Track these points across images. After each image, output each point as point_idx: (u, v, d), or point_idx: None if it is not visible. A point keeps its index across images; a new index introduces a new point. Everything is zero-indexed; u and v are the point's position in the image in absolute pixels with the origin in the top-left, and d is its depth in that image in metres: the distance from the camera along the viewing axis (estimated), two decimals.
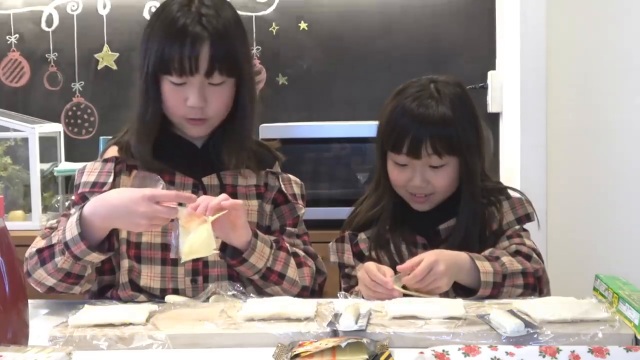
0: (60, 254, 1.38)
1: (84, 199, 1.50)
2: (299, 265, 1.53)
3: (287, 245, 1.54)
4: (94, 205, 1.37)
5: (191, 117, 1.51)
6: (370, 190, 1.68)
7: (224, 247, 1.45)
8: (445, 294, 1.44)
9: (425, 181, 1.55)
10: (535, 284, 1.49)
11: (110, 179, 1.52)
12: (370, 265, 1.45)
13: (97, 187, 1.51)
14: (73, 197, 1.57)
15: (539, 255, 1.55)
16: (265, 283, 1.48)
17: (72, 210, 1.48)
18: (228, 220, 1.39)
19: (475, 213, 1.58)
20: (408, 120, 1.53)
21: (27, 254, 1.44)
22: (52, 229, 1.48)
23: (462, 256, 1.45)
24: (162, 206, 1.34)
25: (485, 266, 1.44)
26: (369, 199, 1.67)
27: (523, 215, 1.61)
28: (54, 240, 1.40)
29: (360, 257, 1.62)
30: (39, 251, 1.42)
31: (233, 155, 1.55)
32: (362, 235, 1.63)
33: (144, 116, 1.52)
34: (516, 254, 1.51)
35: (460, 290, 1.46)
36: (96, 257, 1.39)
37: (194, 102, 1.48)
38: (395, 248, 1.59)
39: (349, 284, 1.61)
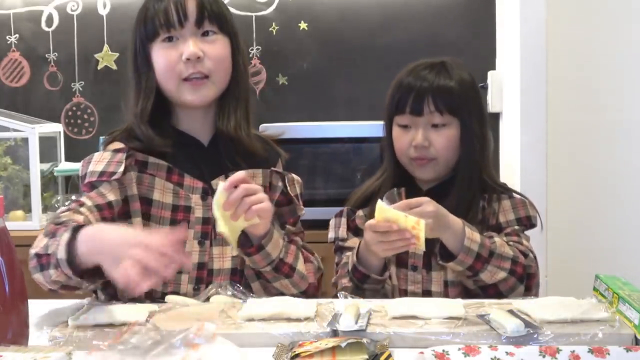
0: (54, 267, 1.29)
1: (92, 187, 1.47)
2: (305, 260, 1.54)
3: (294, 238, 1.56)
4: (89, 238, 1.25)
5: (190, 76, 1.49)
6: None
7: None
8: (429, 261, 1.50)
9: (427, 139, 1.59)
10: (523, 276, 1.49)
11: (121, 169, 1.47)
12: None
13: (106, 176, 1.47)
14: (81, 187, 1.52)
15: (534, 258, 1.55)
16: (276, 275, 1.47)
17: (83, 198, 1.46)
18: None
19: (469, 186, 1.60)
20: (412, 80, 1.60)
21: (30, 252, 1.36)
22: (59, 224, 1.37)
23: (456, 219, 1.47)
24: (153, 254, 1.15)
25: (473, 235, 1.45)
26: (374, 176, 1.71)
27: (524, 217, 1.61)
28: (51, 250, 1.30)
29: (356, 232, 1.65)
30: (38, 255, 1.33)
31: (231, 116, 1.53)
32: (360, 212, 1.66)
33: (138, 88, 1.51)
34: (513, 246, 1.52)
35: (445, 254, 1.47)
36: (82, 283, 1.31)
37: (189, 51, 1.46)
38: None
39: (340, 258, 1.64)
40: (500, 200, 1.62)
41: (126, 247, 1.16)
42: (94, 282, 1.32)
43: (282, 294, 1.48)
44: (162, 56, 1.49)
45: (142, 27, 1.51)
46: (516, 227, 1.59)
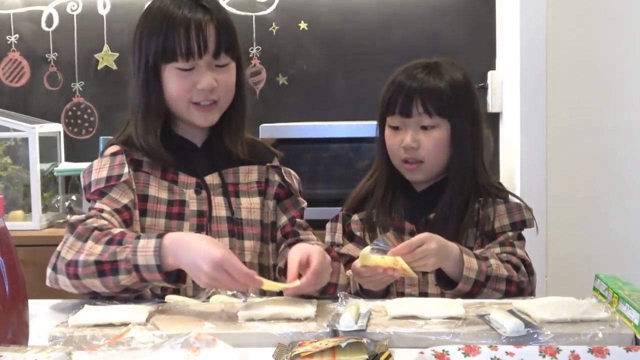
0: (126, 272, 1.32)
1: (102, 195, 1.49)
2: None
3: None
4: (173, 241, 1.33)
5: (200, 102, 1.51)
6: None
7: None
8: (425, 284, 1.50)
9: (416, 141, 1.59)
10: (517, 294, 1.49)
11: (126, 170, 1.50)
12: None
13: (113, 180, 1.50)
14: (87, 196, 1.54)
15: (528, 266, 1.55)
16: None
17: (98, 205, 1.46)
18: None
19: (461, 187, 1.60)
20: (403, 79, 1.61)
21: (81, 258, 1.35)
22: (96, 229, 1.38)
23: (452, 245, 1.47)
24: (226, 275, 1.27)
25: (471, 262, 1.45)
26: (366, 177, 1.72)
27: (519, 221, 1.60)
28: (120, 257, 1.32)
29: (350, 237, 1.66)
30: (99, 263, 1.34)
31: (236, 136, 1.57)
32: (355, 217, 1.67)
33: (148, 107, 1.52)
34: (506, 263, 1.52)
35: (442, 279, 1.48)
36: (165, 284, 1.37)
37: (206, 84, 1.49)
38: (385, 232, 1.61)
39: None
40: (495, 205, 1.61)
41: (200, 263, 1.27)
42: (176, 284, 1.37)
43: None
44: (175, 82, 1.50)
45: (159, 42, 1.48)
46: (510, 234, 1.59)
